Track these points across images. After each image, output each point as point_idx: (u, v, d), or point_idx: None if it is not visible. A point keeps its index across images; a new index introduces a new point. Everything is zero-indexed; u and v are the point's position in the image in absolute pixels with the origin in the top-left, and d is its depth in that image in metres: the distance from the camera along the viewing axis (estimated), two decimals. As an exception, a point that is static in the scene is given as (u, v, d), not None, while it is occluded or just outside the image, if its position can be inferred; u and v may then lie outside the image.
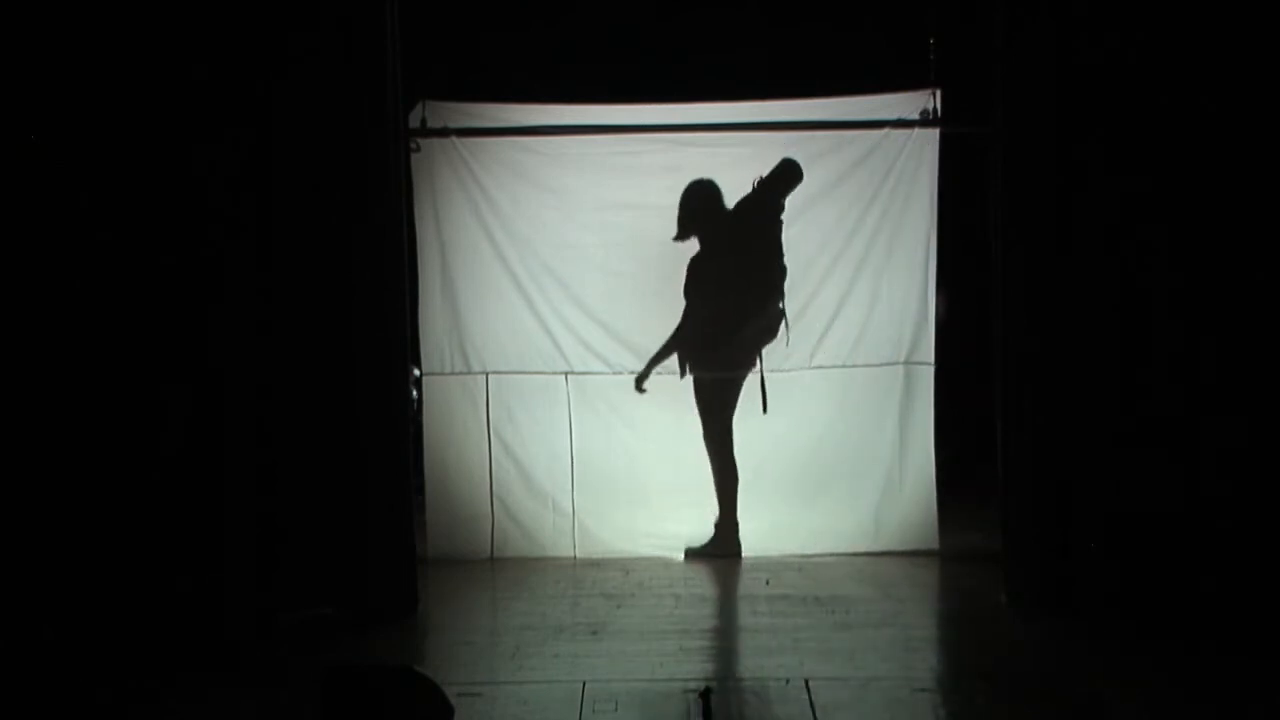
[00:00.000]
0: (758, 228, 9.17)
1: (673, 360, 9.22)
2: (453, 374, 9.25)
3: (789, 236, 9.21)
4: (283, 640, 7.19)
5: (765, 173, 9.14)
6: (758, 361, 9.18)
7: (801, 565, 8.83)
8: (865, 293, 9.17)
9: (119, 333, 7.21)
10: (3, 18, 7.10)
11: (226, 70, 7.30)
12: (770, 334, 9.18)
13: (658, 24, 10.30)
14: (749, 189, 9.14)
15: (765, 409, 9.12)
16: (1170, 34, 7.25)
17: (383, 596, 7.57)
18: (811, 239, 9.21)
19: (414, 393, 8.86)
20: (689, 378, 9.20)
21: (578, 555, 9.18)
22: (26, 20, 7.12)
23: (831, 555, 9.04)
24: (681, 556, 9.12)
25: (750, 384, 9.21)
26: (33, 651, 6.73)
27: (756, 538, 9.15)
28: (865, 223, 9.15)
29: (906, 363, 9.15)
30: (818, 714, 5.91)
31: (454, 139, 9.13)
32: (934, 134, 9.05)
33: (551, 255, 9.24)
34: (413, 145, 8.91)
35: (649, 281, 9.23)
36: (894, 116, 9.07)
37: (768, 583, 8.38)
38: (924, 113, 9.02)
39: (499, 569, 8.98)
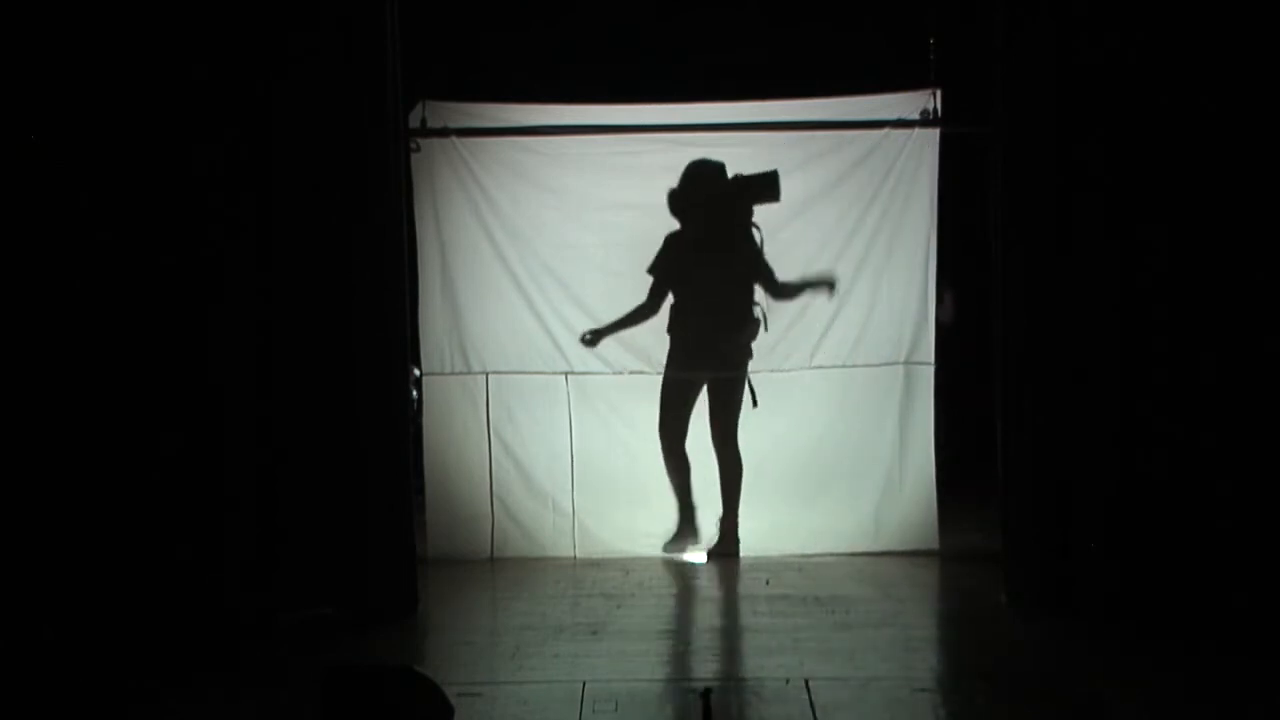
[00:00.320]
0: (736, 223, 9.14)
1: (660, 359, 9.19)
2: (453, 374, 9.24)
3: (789, 236, 9.21)
4: (283, 640, 7.19)
5: (749, 173, 9.12)
6: (745, 360, 9.16)
7: (801, 565, 8.83)
8: (865, 293, 9.16)
9: (118, 333, 7.21)
10: (2, 17, 7.10)
11: (226, 70, 7.31)
12: (744, 333, 9.14)
13: (658, 24, 10.31)
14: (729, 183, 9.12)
15: (755, 403, 9.09)
16: (1170, 34, 7.25)
17: (383, 596, 7.57)
18: (811, 239, 9.20)
19: (414, 393, 8.86)
20: (695, 377, 9.19)
21: (578, 555, 9.17)
22: (26, 19, 7.12)
23: (831, 555, 9.04)
24: (682, 556, 9.12)
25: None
26: (33, 651, 6.73)
27: (756, 538, 9.14)
28: (865, 223, 9.14)
29: (906, 363, 9.15)
30: (818, 714, 5.91)
31: (454, 139, 9.12)
32: (934, 134, 9.04)
33: (551, 255, 9.24)
34: (413, 145, 8.90)
35: (649, 281, 9.22)
36: (894, 116, 9.06)
37: (768, 583, 8.37)
38: (924, 113, 9.01)
39: (499, 569, 8.98)
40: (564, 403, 9.24)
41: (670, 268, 9.17)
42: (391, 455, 7.61)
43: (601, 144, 9.22)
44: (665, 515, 9.19)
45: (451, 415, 9.23)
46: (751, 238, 9.14)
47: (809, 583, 8.37)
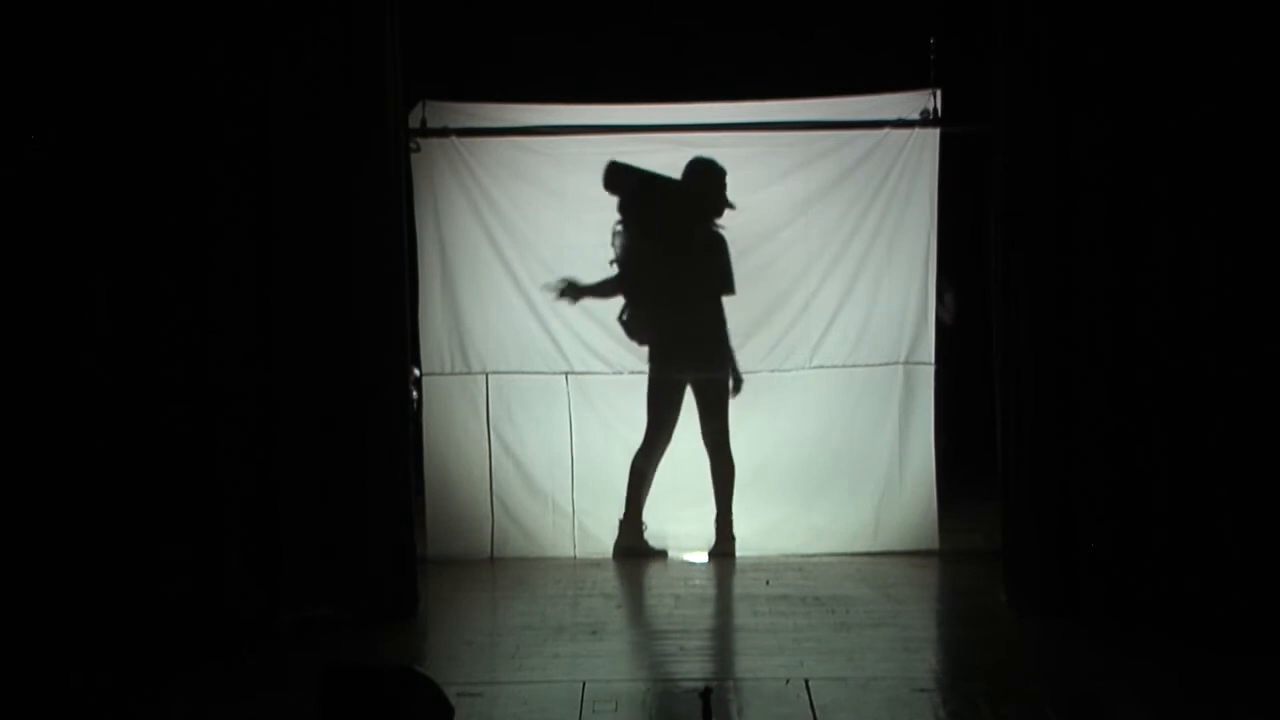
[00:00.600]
0: (700, 227, 9.15)
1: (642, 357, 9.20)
2: (453, 374, 9.24)
3: (789, 236, 9.21)
4: (283, 640, 7.19)
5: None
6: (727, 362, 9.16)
7: (801, 565, 8.83)
8: (865, 293, 9.16)
9: (118, 332, 7.21)
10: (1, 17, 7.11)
11: (226, 70, 7.31)
12: (714, 339, 9.14)
13: (658, 24, 10.30)
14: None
15: (738, 389, 9.09)
16: (1170, 33, 7.25)
17: (383, 596, 7.56)
18: (811, 239, 9.20)
19: (414, 393, 8.86)
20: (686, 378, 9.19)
21: (578, 555, 9.17)
22: (24, 16, 7.12)
23: (831, 555, 9.03)
24: (684, 556, 9.13)
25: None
26: (32, 651, 6.73)
27: (756, 538, 9.14)
28: (865, 223, 9.14)
29: (906, 363, 9.15)
30: (818, 714, 5.91)
31: (454, 139, 9.12)
32: (934, 134, 9.04)
33: (551, 255, 9.23)
34: (413, 145, 8.90)
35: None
36: (894, 116, 9.06)
37: (768, 583, 8.37)
38: (924, 113, 9.01)
39: (499, 569, 8.98)
40: (564, 403, 9.24)
41: (624, 262, 9.15)
42: (391, 455, 7.61)
43: (601, 144, 9.21)
44: (665, 515, 9.19)
45: (451, 415, 9.23)
46: (713, 240, 9.13)
47: (809, 583, 8.37)
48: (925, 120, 9.01)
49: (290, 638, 7.21)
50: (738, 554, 9.08)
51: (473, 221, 9.20)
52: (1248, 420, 7.20)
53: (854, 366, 9.19)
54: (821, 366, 9.22)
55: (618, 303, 9.22)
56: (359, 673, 5.47)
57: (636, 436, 9.20)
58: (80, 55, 7.19)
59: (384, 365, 7.59)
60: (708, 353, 9.15)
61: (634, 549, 9.11)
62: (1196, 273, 7.25)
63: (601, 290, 9.19)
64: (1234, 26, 7.20)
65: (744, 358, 9.23)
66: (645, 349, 9.21)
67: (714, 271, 9.14)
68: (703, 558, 9.10)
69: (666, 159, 9.19)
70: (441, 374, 9.24)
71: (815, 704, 6.00)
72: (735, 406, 9.20)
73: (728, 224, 9.18)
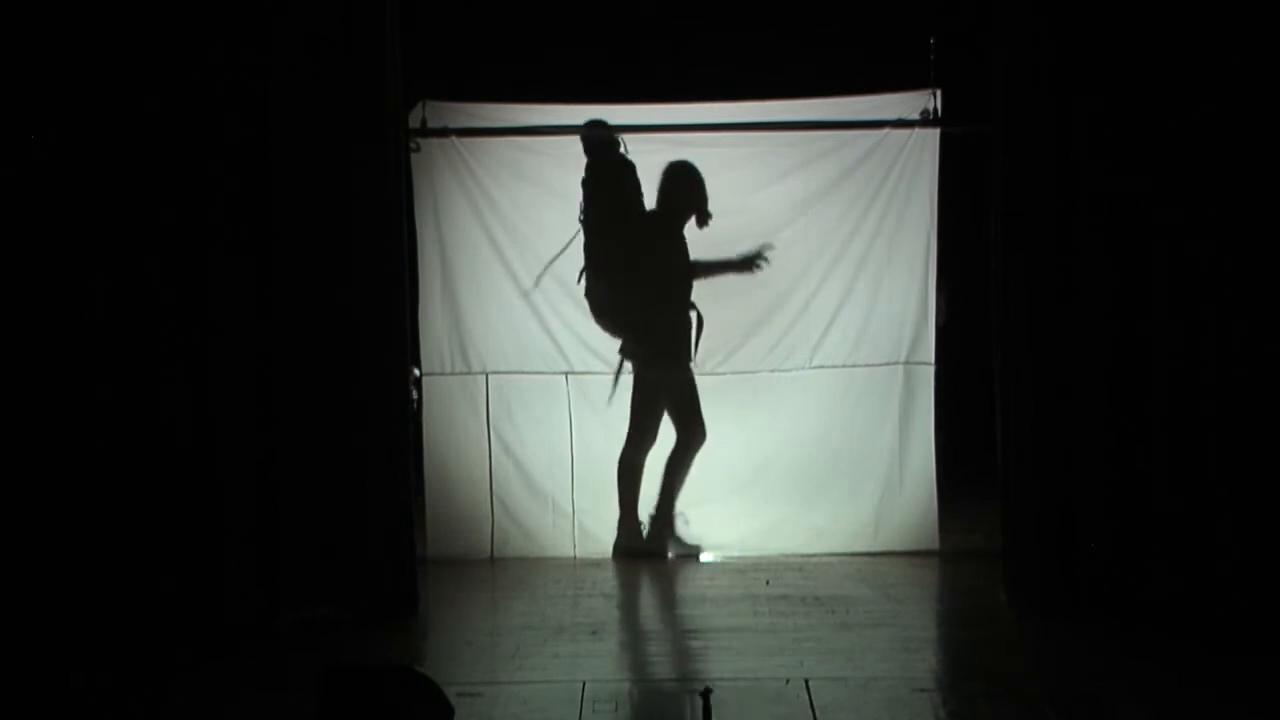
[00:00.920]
0: (661, 227, 9.16)
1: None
2: (453, 374, 9.24)
3: (789, 236, 9.21)
4: (283, 640, 7.19)
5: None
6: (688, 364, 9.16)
7: (801, 565, 8.83)
8: (865, 293, 9.16)
9: (119, 332, 7.21)
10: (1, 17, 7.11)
11: (226, 70, 7.30)
12: (681, 335, 9.14)
13: (658, 24, 10.30)
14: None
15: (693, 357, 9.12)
16: (1170, 33, 7.25)
17: (383, 596, 7.56)
18: (811, 239, 9.20)
19: (414, 393, 8.86)
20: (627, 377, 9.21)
21: (578, 555, 9.17)
22: (25, 16, 7.12)
23: (831, 555, 9.03)
24: (681, 556, 9.14)
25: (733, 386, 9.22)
26: (32, 651, 6.73)
27: (757, 538, 9.15)
28: (865, 223, 9.14)
29: (906, 363, 9.15)
30: (818, 714, 5.91)
31: (454, 139, 9.12)
32: (934, 134, 9.04)
33: (552, 255, 9.23)
34: (413, 145, 8.90)
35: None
36: (894, 116, 9.07)
37: (768, 583, 8.37)
38: (924, 113, 9.01)
39: (499, 569, 8.98)
40: (564, 403, 9.24)
41: (599, 268, 9.16)
42: (391, 455, 7.61)
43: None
44: (668, 515, 9.18)
45: (451, 415, 9.23)
46: (679, 236, 9.14)
47: (809, 583, 8.37)
48: (925, 120, 9.01)
49: (290, 638, 7.21)
50: (738, 554, 9.07)
51: (473, 221, 9.20)
52: (1248, 420, 7.19)
53: (854, 366, 9.19)
54: (821, 366, 9.22)
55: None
56: (359, 673, 5.47)
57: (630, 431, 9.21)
58: (80, 55, 7.19)
59: (384, 365, 7.59)
60: (674, 347, 9.15)
61: (633, 548, 9.11)
62: (1196, 273, 7.25)
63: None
64: (1234, 26, 7.20)
65: (744, 358, 9.24)
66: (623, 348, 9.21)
67: (675, 264, 9.13)
68: (705, 557, 9.09)
69: (666, 159, 9.18)
70: (441, 374, 9.24)
71: (815, 704, 6.00)
72: (735, 406, 9.21)
73: (727, 224, 9.18)
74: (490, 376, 9.23)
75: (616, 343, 9.23)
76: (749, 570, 8.75)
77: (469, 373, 9.23)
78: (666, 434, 9.22)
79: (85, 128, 7.21)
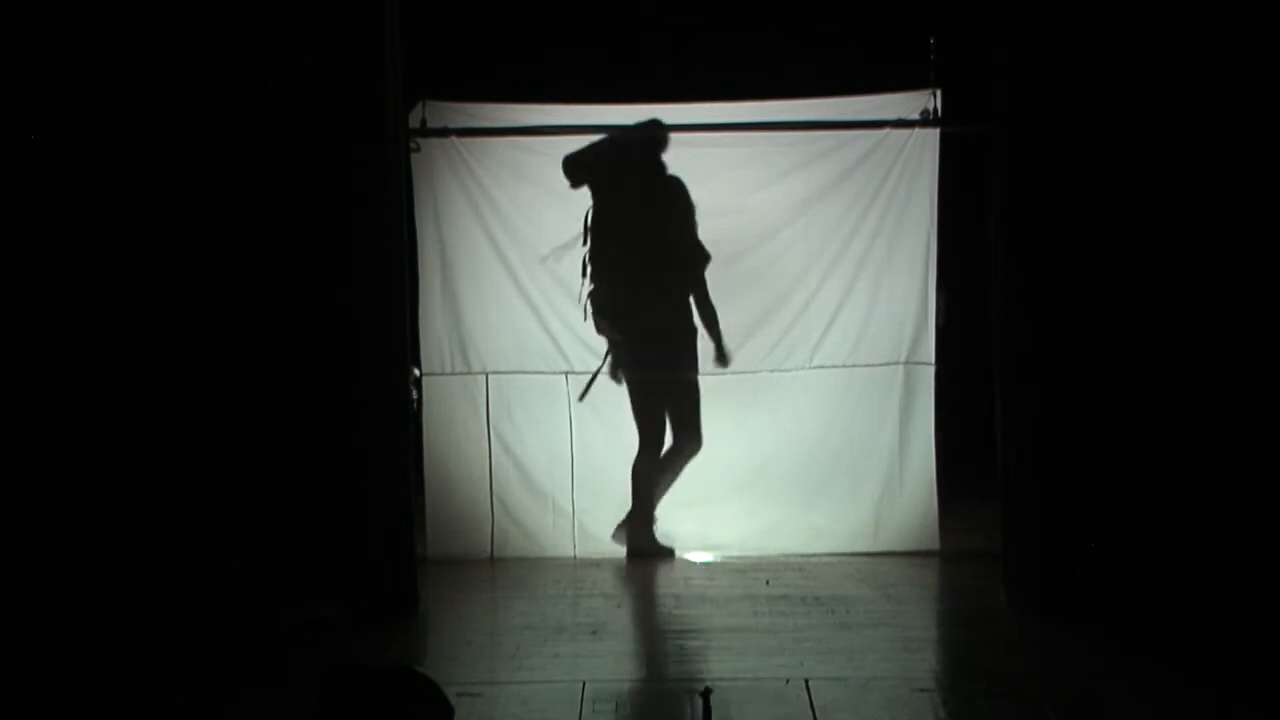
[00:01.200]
0: (670, 204, 9.14)
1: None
2: (453, 374, 9.24)
3: (789, 235, 9.21)
4: (283, 640, 7.19)
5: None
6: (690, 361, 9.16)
7: (801, 565, 8.83)
8: (865, 293, 9.16)
9: (120, 332, 7.21)
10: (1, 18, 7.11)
11: (226, 70, 7.30)
12: (685, 332, 9.14)
13: (658, 24, 10.30)
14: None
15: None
16: (1170, 33, 7.25)
17: (383, 596, 7.56)
18: (811, 239, 9.20)
19: (414, 393, 8.86)
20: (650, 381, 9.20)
21: (578, 555, 9.17)
22: (25, 16, 7.12)
23: (831, 555, 9.03)
24: (684, 556, 9.14)
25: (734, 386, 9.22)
26: (32, 651, 6.73)
27: (757, 538, 9.15)
28: (865, 223, 9.14)
29: (906, 363, 9.15)
30: (818, 714, 5.91)
31: (454, 139, 9.12)
32: (934, 134, 9.04)
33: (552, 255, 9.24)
34: (413, 145, 8.90)
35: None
36: (894, 116, 9.07)
37: (768, 583, 8.37)
38: (924, 113, 9.01)
39: (499, 569, 8.98)
40: (564, 403, 9.24)
41: (595, 250, 9.15)
42: (391, 455, 7.61)
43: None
44: (665, 515, 9.19)
45: (451, 415, 9.23)
46: (684, 219, 9.13)
47: (809, 583, 8.37)
48: (925, 120, 9.01)
49: (290, 638, 7.21)
50: (738, 554, 9.08)
51: (473, 221, 9.20)
52: (1248, 420, 7.19)
53: (854, 366, 9.19)
54: (821, 366, 9.22)
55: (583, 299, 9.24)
56: (359, 673, 5.46)
57: (637, 436, 9.19)
58: (80, 55, 7.18)
59: (384, 365, 7.59)
60: (676, 352, 9.15)
61: (646, 549, 9.11)
62: (1196, 272, 7.25)
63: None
64: (1234, 27, 7.20)
65: (744, 358, 9.23)
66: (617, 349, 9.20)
67: (685, 262, 9.12)
68: (705, 557, 9.09)
69: (667, 159, 9.18)
70: (441, 374, 9.24)
71: (815, 704, 6.00)
72: (735, 406, 9.21)
73: (727, 224, 9.18)
74: (490, 376, 9.23)
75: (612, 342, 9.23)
76: (749, 570, 8.75)
77: (469, 373, 9.23)
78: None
79: (85, 127, 7.20)
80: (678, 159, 9.18)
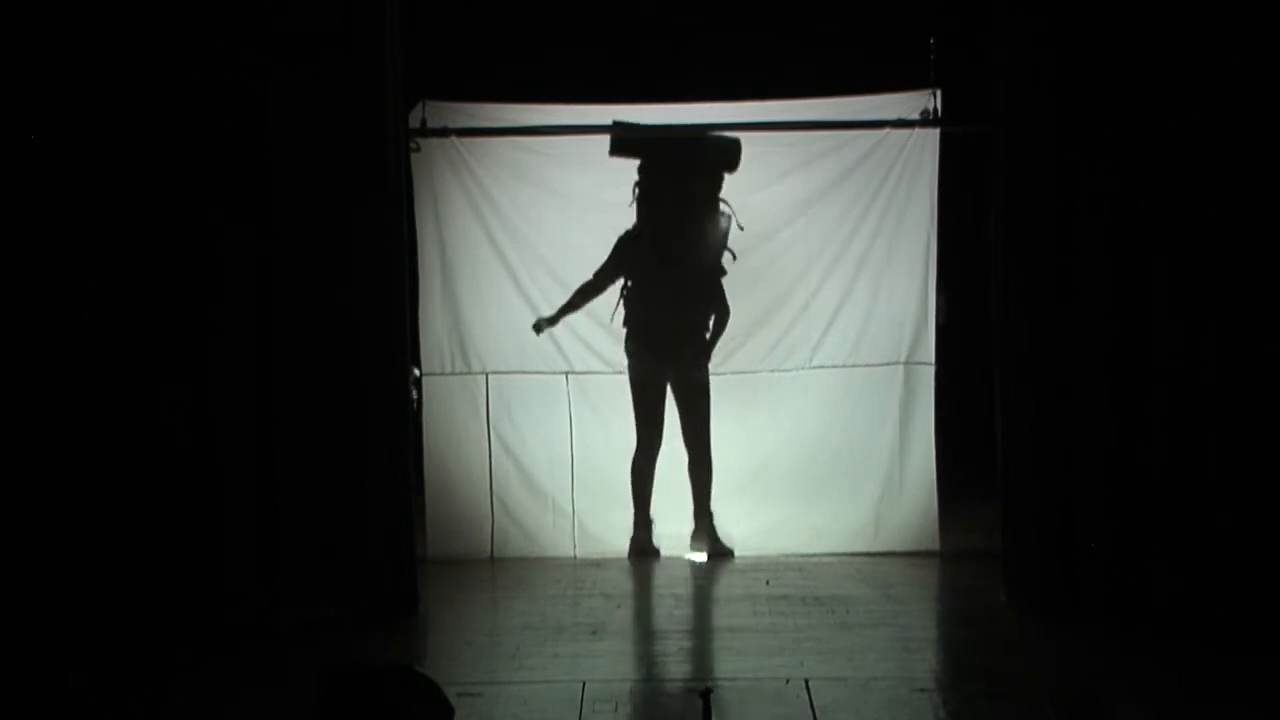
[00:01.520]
0: (704, 215, 9.15)
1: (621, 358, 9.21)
2: (453, 374, 9.24)
3: (789, 235, 9.21)
4: (283, 640, 7.19)
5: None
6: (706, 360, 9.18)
7: (801, 565, 8.83)
8: (865, 293, 9.17)
9: (120, 333, 7.21)
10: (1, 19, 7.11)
11: (226, 70, 7.30)
12: (695, 338, 9.15)
13: (658, 24, 10.30)
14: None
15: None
16: (1170, 33, 7.25)
17: (383, 596, 7.57)
18: (811, 239, 9.20)
19: (414, 393, 8.86)
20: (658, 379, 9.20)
21: (578, 555, 9.17)
22: (24, 14, 7.12)
23: (831, 555, 9.04)
24: (684, 556, 9.13)
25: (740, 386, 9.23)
26: (32, 651, 6.73)
27: (756, 538, 9.15)
28: (865, 223, 9.15)
29: (906, 363, 9.15)
30: (818, 714, 5.91)
31: (454, 139, 9.13)
32: (934, 134, 9.05)
33: (552, 255, 9.24)
34: (413, 145, 8.90)
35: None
36: (894, 116, 9.07)
37: (768, 583, 8.37)
38: (924, 113, 9.02)
39: (499, 569, 8.98)
40: (564, 403, 9.24)
41: (624, 259, 9.15)
42: (391, 455, 7.61)
43: (601, 144, 9.21)
44: (666, 514, 9.19)
45: (451, 415, 9.23)
46: (717, 223, 9.13)
47: (809, 583, 8.37)
48: (925, 120, 9.01)
49: (290, 638, 7.21)
50: (738, 554, 9.07)
51: (473, 221, 9.20)
52: (1248, 420, 7.19)
53: (854, 366, 9.19)
54: (821, 366, 9.22)
55: (617, 302, 9.21)
56: (359, 673, 5.47)
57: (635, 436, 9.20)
58: (81, 55, 7.18)
59: (384, 365, 7.60)
60: (687, 351, 9.15)
61: (646, 550, 9.11)
62: (1196, 272, 7.25)
63: (571, 307, 9.17)
64: (1234, 27, 7.20)
65: (744, 358, 9.25)
66: (627, 345, 9.20)
67: (707, 267, 9.14)
68: (702, 557, 9.10)
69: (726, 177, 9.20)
70: (441, 374, 9.24)
71: (815, 704, 6.00)
72: (735, 406, 9.22)
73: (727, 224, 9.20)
74: (490, 376, 9.23)
75: (617, 343, 9.23)
76: (749, 570, 8.75)
77: (469, 373, 9.24)
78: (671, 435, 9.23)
79: (85, 128, 7.20)
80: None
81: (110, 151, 7.23)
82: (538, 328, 9.15)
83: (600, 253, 9.21)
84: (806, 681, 6.28)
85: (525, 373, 9.25)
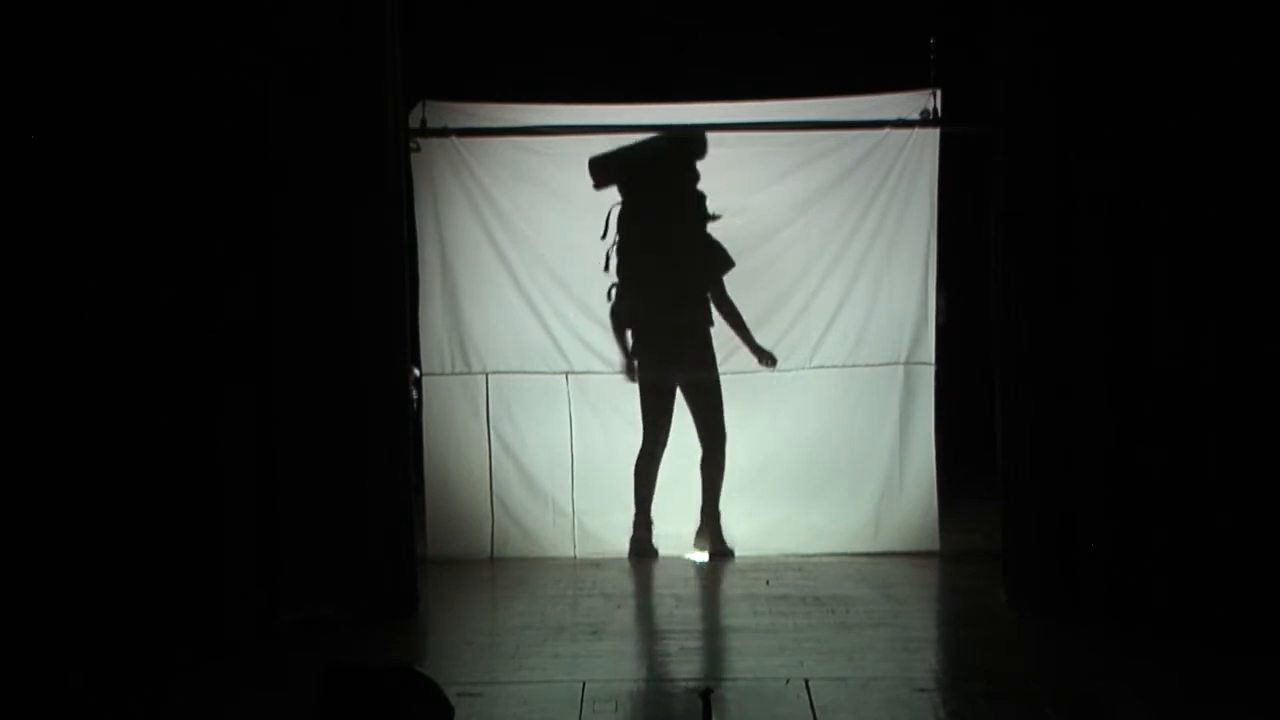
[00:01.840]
0: (695, 210, 9.15)
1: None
2: (453, 374, 9.24)
3: (789, 235, 9.21)
4: (283, 640, 7.19)
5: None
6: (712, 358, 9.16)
7: (801, 565, 8.83)
8: (865, 293, 9.16)
9: (119, 332, 7.20)
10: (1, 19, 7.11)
11: (226, 71, 7.30)
12: (700, 338, 9.14)
13: (658, 24, 10.30)
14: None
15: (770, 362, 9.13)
16: (1170, 33, 7.25)
17: (383, 596, 7.57)
18: (811, 239, 9.20)
19: (414, 393, 8.86)
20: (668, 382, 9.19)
21: (578, 555, 9.17)
22: (23, 13, 7.12)
23: (831, 555, 9.03)
24: (684, 556, 9.13)
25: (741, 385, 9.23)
26: (32, 651, 6.73)
27: (756, 538, 9.15)
28: (865, 223, 9.14)
29: (906, 363, 9.15)
30: (818, 714, 5.91)
31: (454, 139, 9.12)
32: (934, 134, 9.04)
33: (552, 255, 9.23)
34: (413, 145, 8.90)
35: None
36: (894, 116, 9.06)
37: (768, 583, 8.37)
38: (924, 113, 9.01)
39: (499, 569, 8.98)
40: (564, 403, 9.24)
41: (621, 262, 9.14)
42: (391, 455, 7.61)
43: (602, 144, 9.21)
44: (666, 514, 9.18)
45: (451, 415, 9.23)
46: (701, 219, 9.13)
47: (809, 583, 8.37)
48: (925, 120, 9.01)
49: (290, 638, 7.21)
50: (738, 554, 9.07)
51: (473, 221, 9.20)
52: (1248, 420, 7.19)
53: (854, 366, 9.19)
54: (821, 366, 9.22)
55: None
56: (359, 673, 5.47)
57: (637, 436, 9.20)
58: (81, 56, 7.17)
59: (384, 365, 7.60)
60: (694, 352, 9.15)
61: (646, 550, 9.11)
62: (1196, 273, 7.25)
63: (623, 341, 9.18)
64: (1234, 27, 7.20)
65: (744, 357, 9.24)
66: (633, 348, 9.19)
67: (706, 264, 9.13)
68: (703, 557, 9.10)
69: (698, 166, 9.19)
70: (441, 374, 9.24)
71: (815, 704, 6.00)
72: (735, 406, 9.22)
73: (727, 224, 9.18)
74: (490, 376, 9.23)
75: (617, 342, 9.23)
76: (749, 570, 8.75)
77: (469, 373, 9.23)
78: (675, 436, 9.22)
79: (85, 128, 7.19)
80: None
81: (110, 151, 7.21)
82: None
83: (600, 252, 9.19)
84: (806, 681, 6.28)
85: (525, 373, 9.25)
